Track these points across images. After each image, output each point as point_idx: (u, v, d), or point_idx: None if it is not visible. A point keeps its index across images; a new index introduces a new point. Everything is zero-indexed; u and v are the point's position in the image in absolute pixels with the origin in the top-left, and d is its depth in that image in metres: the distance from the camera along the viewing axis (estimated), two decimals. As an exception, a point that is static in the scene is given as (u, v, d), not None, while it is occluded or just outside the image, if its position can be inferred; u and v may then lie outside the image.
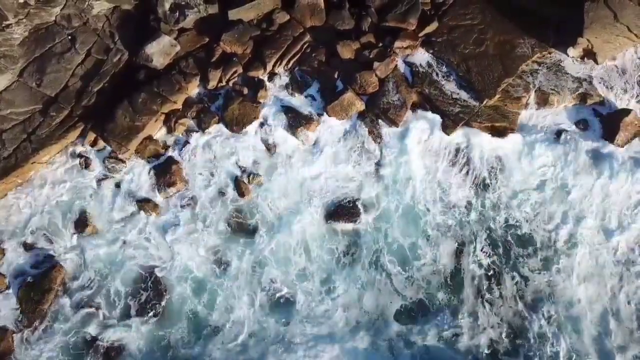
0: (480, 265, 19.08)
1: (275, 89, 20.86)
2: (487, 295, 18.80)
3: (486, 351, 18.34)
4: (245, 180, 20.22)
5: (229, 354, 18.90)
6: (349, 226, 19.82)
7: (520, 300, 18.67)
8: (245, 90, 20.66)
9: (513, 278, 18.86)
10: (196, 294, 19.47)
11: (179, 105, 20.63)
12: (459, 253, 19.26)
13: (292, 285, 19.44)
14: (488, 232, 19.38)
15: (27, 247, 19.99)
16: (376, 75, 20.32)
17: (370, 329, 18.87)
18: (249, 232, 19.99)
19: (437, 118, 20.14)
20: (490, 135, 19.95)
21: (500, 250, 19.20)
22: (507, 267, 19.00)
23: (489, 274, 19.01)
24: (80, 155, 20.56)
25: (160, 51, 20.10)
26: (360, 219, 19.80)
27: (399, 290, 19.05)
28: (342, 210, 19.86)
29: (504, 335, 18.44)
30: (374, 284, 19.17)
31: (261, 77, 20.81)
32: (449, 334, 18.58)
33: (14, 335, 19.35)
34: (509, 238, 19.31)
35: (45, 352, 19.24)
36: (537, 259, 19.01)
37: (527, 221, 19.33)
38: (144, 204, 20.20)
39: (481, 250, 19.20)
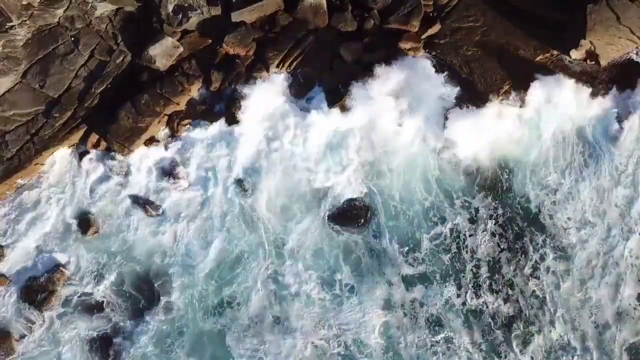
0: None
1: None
2: None
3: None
4: (248, 180, 20.31)
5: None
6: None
7: None
8: (248, 92, 20.68)
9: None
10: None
11: (181, 107, 20.63)
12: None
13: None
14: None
15: (30, 248, 20.01)
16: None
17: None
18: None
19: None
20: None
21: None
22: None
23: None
24: (83, 157, 20.55)
25: (163, 53, 20.12)
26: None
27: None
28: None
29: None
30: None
31: (264, 78, 20.83)
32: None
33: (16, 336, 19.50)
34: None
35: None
36: None
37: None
38: (146, 205, 20.23)
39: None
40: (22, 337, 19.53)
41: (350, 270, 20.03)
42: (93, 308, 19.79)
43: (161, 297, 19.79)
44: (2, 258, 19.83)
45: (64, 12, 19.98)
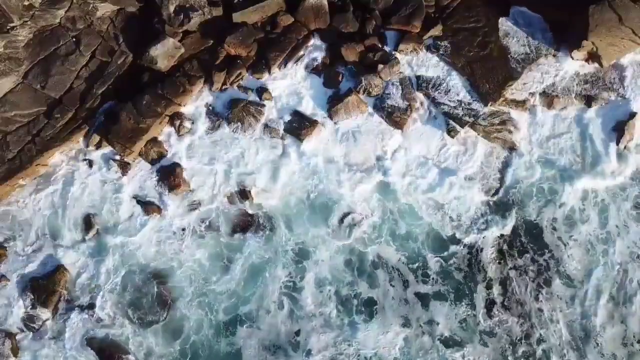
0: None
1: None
2: None
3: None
4: (249, 182, 20.28)
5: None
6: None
7: None
8: (250, 93, 20.68)
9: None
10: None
11: (183, 108, 20.63)
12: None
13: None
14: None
15: (32, 249, 20.02)
16: (380, 77, 20.33)
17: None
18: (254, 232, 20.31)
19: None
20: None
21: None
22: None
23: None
24: (84, 158, 20.57)
25: (164, 53, 20.12)
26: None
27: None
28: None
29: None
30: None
31: (265, 79, 20.82)
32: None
33: (17, 336, 19.50)
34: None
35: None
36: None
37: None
38: (148, 206, 20.21)
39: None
40: (24, 337, 19.52)
41: (367, 286, 19.98)
42: (94, 310, 19.78)
43: (165, 303, 19.84)
44: (3, 258, 19.86)
45: (65, 12, 20.01)
